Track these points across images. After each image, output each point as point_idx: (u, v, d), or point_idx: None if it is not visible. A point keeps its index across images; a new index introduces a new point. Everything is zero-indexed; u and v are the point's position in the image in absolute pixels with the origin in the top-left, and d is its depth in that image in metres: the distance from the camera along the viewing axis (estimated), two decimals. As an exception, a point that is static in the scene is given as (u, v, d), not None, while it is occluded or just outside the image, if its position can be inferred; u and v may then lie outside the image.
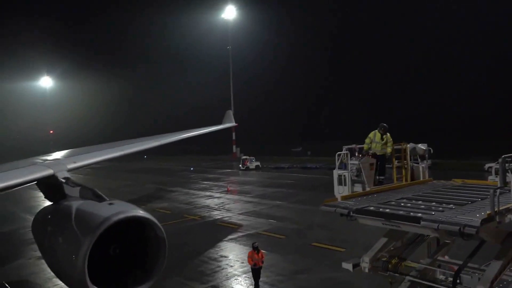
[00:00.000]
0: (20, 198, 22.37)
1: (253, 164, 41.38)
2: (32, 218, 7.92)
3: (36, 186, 8.70)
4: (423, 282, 6.75)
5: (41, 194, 8.69)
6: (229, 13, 45.13)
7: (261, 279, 10.20)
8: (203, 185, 30.59)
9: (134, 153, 12.10)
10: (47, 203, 8.13)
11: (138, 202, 7.12)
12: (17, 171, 8.46)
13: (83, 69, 75.35)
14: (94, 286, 5.77)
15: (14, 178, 8.14)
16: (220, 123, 17.81)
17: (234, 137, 41.03)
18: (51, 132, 66.74)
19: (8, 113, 71.74)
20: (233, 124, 18.95)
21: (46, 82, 61.04)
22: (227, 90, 48.25)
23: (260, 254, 10.16)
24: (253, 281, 10.08)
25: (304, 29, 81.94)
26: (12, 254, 13.70)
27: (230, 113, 18.77)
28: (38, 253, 7.53)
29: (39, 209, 8.01)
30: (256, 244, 10.52)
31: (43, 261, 7.29)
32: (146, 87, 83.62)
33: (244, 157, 42.20)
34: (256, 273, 10.11)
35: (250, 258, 10.15)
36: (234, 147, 41.67)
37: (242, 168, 40.90)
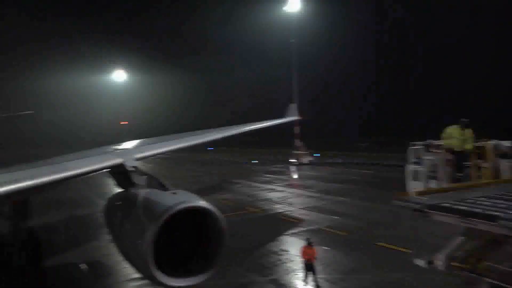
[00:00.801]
0: (95, 184, 23.89)
1: (307, 158, 40.29)
2: (104, 204, 8.42)
3: (108, 173, 9.23)
4: (505, 285, 6.20)
5: (113, 181, 9.20)
6: (293, 6, 44.59)
7: (321, 276, 10.05)
8: (266, 178, 30.78)
9: (199, 144, 12.36)
10: (118, 190, 8.58)
11: (201, 192, 7.34)
12: (90, 159, 9.01)
13: (156, 62, 78.68)
14: (159, 271, 5.98)
15: (87, 166, 8.67)
16: (283, 116, 17.74)
17: (297, 131, 40.86)
18: (125, 123, 70.65)
19: (84, 105, 76.90)
20: (296, 117, 18.80)
21: (119, 76, 64.58)
22: (291, 83, 47.94)
23: (313, 250, 10.04)
24: (311, 275, 9.97)
25: (371, 22, 79.15)
26: (87, 237, 14.68)
27: (294, 106, 18.62)
28: (110, 237, 7.96)
29: (111, 195, 8.49)
30: (310, 239, 10.43)
31: (113, 244, 7.68)
32: (214, 80, 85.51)
33: (300, 151, 41.14)
34: (308, 268, 9.98)
35: (304, 253, 10.08)
36: (297, 140, 41.54)
37: (296, 162, 39.77)
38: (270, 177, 31.63)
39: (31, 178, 7.64)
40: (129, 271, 10.20)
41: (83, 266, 11.77)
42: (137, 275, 7.49)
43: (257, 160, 45.21)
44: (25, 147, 50.65)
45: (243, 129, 14.32)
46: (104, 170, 9.00)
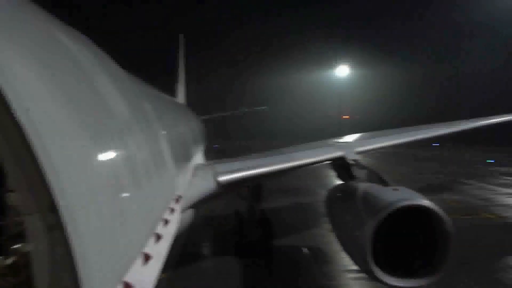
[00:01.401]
0: (318, 175, 25.29)
1: None
2: (326, 194, 8.83)
3: (329, 165, 9.64)
4: None
5: (333, 173, 9.56)
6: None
7: None
8: (505, 181, 26.49)
9: (423, 140, 11.58)
10: (339, 182, 8.87)
11: (424, 191, 6.79)
12: (315, 151, 9.61)
13: (378, 56, 77.50)
14: (377, 267, 5.91)
15: (312, 157, 9.29)
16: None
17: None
18: (347, 117, 72.31)
19: (308, 100, 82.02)
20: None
21: (342, 71, 66.25)
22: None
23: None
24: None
25: None
26: (309, 223, 15.70)
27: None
28: (330, 226, 8.32)
29: (332, 186, 8.85)
30: None
31: (333, 233, 7.99)
32: (442, 72, 78.36)
33: None
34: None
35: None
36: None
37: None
38: (510, 179, 27.08)
39: (266, 165, 8.69)
40: (347, 262, 10.45)
41: (305, 250, 12.67)
42: (354, 267, 7.58)
43: (493, 159, 39.31)
44: (261, 139, 57.77)
45: (474, 124, 12.69)
46: (327, 162, 9.47)
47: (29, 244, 2.02)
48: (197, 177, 7.89)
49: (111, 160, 2.94)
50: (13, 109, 1.83)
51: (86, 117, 2.81)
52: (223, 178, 8.01)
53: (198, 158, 11.15)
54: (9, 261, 3.37)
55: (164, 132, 6.08)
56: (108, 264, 2.37)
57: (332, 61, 68.72)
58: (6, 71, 1.86)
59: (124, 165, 3.16)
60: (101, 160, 2.75)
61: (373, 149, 10.44)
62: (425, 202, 5.86)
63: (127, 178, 3.15)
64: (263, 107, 38.21)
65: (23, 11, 2.76)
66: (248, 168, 8.55)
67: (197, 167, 8.85)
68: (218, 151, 31.50)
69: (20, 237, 3.86)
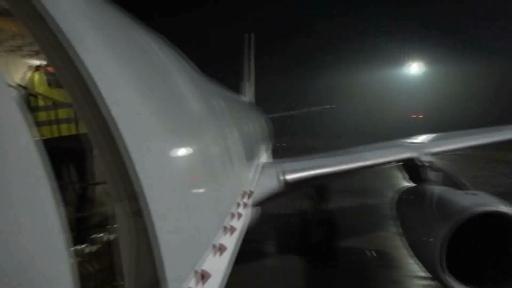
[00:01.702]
0: (385, 176, 24.50)
1: None
2: (395, 196, 8.55)
3: (398, 166, 9.32)
4: None
5: (403, 175, 9.22)
6: None
7: None
8: None
9: (504, 141, 10.80)
10: (408, 184, 8.54)
11: (506, 196, 6.26)
12: (384, 151, 9.34)
13: (453, 54, 73.11)
14: (450, 275, 5.66)
15: (381, 157, 9.04)
16: None
17: None
18: (419, 116, 69.07)
19: (380, 98, 79.35)
20: None
21: (414, 68, 63.36)
22: None
23: None
24: None
25: None
26: (376, 226, 15.26)
27: None
28: (399, 229, 8.04)
29: (402, 188, 8.55)
30: None
31: (402, 238, 7.72)
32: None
33: None
34: None
35: None
36: None
37: None
38: None
39: (333, 165, 8.61)
40: (415, 268, 10.03)
41: (370, 253, 12.35)
42: (423, 274, 7.27)
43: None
44: (329, 137, 56.99)
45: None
46: (396, 163, 9.17)
47: (115, 230, 2.22)
48: (264, 175, 8.02)
49: (189, 154, 3.13)
50: (102, 104, 2.01)
51: (167, 113, 3.02)
52: (290, 176, 8.07)
53: (266, 156, 11.32)
54: (90, 249, 3.68)
55: (236, 130, 6.30)
56: (186, 252, 2.53)
57: (404, 58, 66.07)
58: (96, 70, 2.05)
59: (201, 160, 3.35)
60: (180, 155, 2.94)
61: (447, 151, 9.92)
62: (506, 209, 5.50)
63: (204, 172, 3.33)
64: (331, 106, 37.71)
65: (107, 13, 3.02)
66: (315, 168, 8.54)
67: (264, 165, 8.99)
68: (285, 150, 31.59)
69: (100, 227, 4.23)
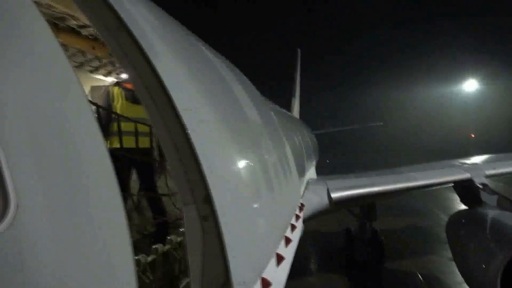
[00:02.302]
0: (437, 197, 23.52)
1: None
2: (447, 218, 8.19)
3: (451, 188, 8.94)
4: None
5: (456, 196, 8.83)
6: None
7: None
8: None
9: None
10: (462, 206, 8.16)
11: None
12: (435, 172, 8.99)
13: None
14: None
15: (432, 178, 8.72)
16: None
17: None
18: (472, 136, 66.00)
19: (429, 116, 76.71)
20: None
21: (470, 85, 60.70)
22: None
23: None
24: None
25: None
26: (425, 249, 14.62)
27: None
28: (450, 254, 7.68)
29: (454, 210, 8.17)
30: None
31: (453, 263, 7.36)
32: None
33: None
34: None
35: None
36: None
37: None
38: None
39: (381, 184, 8.41)
40: (469, 296, 9.49)
41: (419, 277, 11.83)
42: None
43: None
44: (373, 155, 55.65)
45: None
46: (449, 184, 8.80)
47: (184, 234, 2.30)
48: (310, 191, 7.97)
49: (253, 164, 3.27)
50: (176, 109, 2.16)
51: (233, 125, 3.20)
52: (336, 194, 7.96)
53: (311, 172, 11.24)
54: (150, 258, 3.83)
55: (291, 146, 6.47)
56: (250, 258, 2.61)
57: (458, 75, 63.65)
58: (171, 83, 2.22)
59: (262, 171, 3.47)
60: (245, 164, 3.07)
61: (503, 173, 9.40)
62: None
63: (265, 182, 3.45)
64: (378, 123, 36.91)
65: (179, 30, 3.33)
66: (362, 186, 8.38)
67: (310, 182, 8.93)
68: (330, 166, 31.19)
69: (171, 230, 4.46)
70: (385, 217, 17.46)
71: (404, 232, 17.28)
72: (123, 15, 2.08)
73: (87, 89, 7.13)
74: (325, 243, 15.28)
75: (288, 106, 25.77)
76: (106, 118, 5.16)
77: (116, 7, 2.07)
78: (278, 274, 3.12)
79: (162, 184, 5.89)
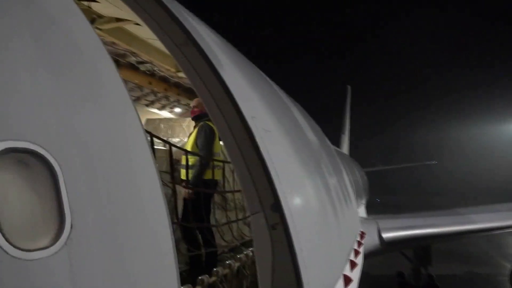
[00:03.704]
0: (498, 243, 21.93)
1: None
2: (510, 266, 7.55)
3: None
4: None
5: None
6: None
7: None
8: None
9: None
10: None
11: None
12: (500, 214, 8.38)
13: None
14: None
15: (493, 221, 8.13)
16: None
17: None
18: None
19: (485, 155, 72.98)
20: None
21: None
22: None
23: None
24: None
25: None
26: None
27: None
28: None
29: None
30: None
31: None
32: None
33: None
34: None
35: None
36: None
37: None
38: None
39: (437, 226, 7.94)
40: None
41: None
42: None
43: None
44: (427, 195, 53.24)
45: None
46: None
47: (254, 240, 2.28)
48: (359, 230, 7.67)
49: (317, 181, 3.35)
50: (243, 116, 2.26)
51: (295, 138, 3.31)
52: (388, 234, 7.63)
53: (361, 211, 10.88)
54: (212, 280, 3.80)
55: (347, 180, 6.62)
56: (321, 272, 2.55)
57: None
58: (238, 90, 2.37)
59: (326, 189, 3.52)
60: (310, 178, 3.15)
61: None
62: None
63: (330, 201, 3.51)
64: (432, 161, 35.50)
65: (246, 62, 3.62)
66: (416, 227, 7.96)
67: (360, 221, 8.62)
68: (380, 206, 30.12)
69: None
70: (441, 262, 16.39)
71: (462, 279, 16.10)
72: (190, 30, 2.24)
73: (143, 121, 7.43)
74: (375, 286, 14.50)
75: (337, 143, 25.45)
76: (209, 155, 5.07)
77: (184, 23, 2.25)
78: None
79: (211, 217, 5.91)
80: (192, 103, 5.49)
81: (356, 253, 4.15)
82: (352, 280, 3.23)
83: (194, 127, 5.33)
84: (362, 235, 5.49)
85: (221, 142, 5.09)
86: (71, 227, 1.15)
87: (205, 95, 2.30)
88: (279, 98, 3.88)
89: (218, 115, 2.27)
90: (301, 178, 2.86)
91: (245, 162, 2.24)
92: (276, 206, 2.14)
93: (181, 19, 2.25)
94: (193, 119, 5.43)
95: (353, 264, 3.66)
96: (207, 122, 5.02)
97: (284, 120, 3.30)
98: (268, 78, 4.48)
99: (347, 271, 3.35)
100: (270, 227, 2.18)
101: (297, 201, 2.47)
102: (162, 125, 7.81)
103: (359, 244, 4.83)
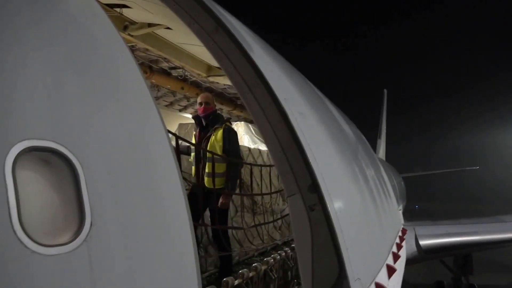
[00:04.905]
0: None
1: None
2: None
3: None
4: None
5: None
6: None
7: None
8: None
9: None
10: None
11: None
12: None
13: None
14: None
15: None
16: None
17: None
18: None
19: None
20: None
21: None
22: None
23: None
24: None
25: None
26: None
27: None
28: None
29: None
30: None
31: None
32: None
33: None
34: None
35: None
36: None
37: None
38: None
39: (477, 233, 7.60)
40: None
41: None
42: None
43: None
44: (468, 202, 51.16)
45: None
46: None
47: (292, 223, 2.28)
48: (395, 237, 7.46)
49: (355, 168, 3.47)
50: (277, 99, 2.30)
51: (328, 123, 3.44)
52: (426, 242, 7.38)
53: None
54: (237, 282, 3.81)
55: (385, 174, 6.73)
56: (363, 254, 2.55)
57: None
58: (271, 73, 2.43)
59: (364, 176, 3.61)
60: (347, 163, 3.25)
61: None
62: None
63: (370, 192, 3.53)
64: (474, 167, 34.13)
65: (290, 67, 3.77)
66: (456, 234, 7.65)
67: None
68: (418, 212, 29.22)
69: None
70: (483, 272, 15.67)
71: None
72: (221, 17, 2.30)
73: (175, 126, 7.53)
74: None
75: (373, 148, 24.92)
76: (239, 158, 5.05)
77: (214, 11, 2.31)
78: (391, 284, 3.00)
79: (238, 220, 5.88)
80: (201, 99, 4.94)
81: (399, 247, 4.09)
82: (396, 270, 3.17)
83: (205, 127, 4.97)
84: (404, 231, 5.49)
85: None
86: (91, 224, 1.17)
87: (238, 80, 2.33)
88: (310, 87, 3.96)
89: (251, 99, 2.30)
90: (338, 163, 2.85)
91: (280, 144, 2.24)
92: (314, 187, 2.12)
93: (210, 7, 2.31)
94: (206, 117, 4.89)
95: (396, 257, 3.59)
96: (227, 124, 4.98)
97: (317, 107, 3.35)
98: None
99: (390, 261, 3.30)
100: (308, 208, 2.16)
101: (335, 183, 2.46)
102: (193, 130, 7.93)
103: (401, 239, 4.83)
